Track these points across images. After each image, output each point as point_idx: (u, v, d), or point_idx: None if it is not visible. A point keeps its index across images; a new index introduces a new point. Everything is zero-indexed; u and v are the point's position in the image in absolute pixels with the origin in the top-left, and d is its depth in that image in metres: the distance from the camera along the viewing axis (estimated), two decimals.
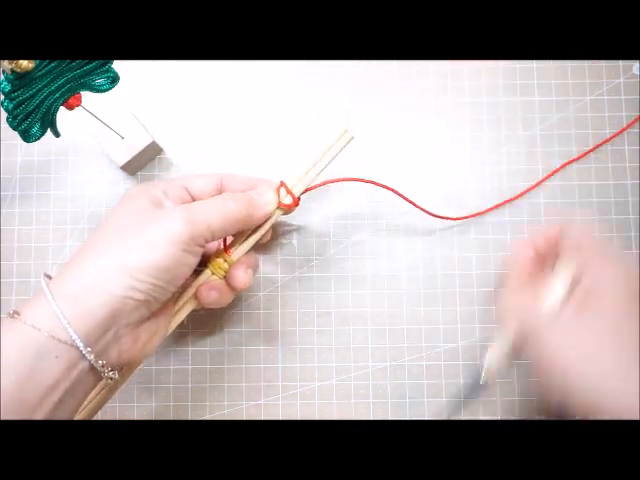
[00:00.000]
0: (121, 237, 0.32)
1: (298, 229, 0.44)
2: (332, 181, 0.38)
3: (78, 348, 0.29)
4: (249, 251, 0.37)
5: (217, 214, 0.33)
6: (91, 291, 0.29)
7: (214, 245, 0.38)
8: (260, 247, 0.44)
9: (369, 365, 0.43)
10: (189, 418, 0.43)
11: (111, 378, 0.31)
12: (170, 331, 0.36)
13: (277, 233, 0.44)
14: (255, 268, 0.38)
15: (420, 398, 0.43)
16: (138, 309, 0.31)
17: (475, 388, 0.41)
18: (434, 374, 0.43)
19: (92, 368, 0.30)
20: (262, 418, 0.43)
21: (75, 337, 0.28)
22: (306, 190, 0.37)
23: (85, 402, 0.34)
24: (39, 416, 0.28)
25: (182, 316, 0.36)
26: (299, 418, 0.43)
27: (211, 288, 0.36)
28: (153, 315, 0.33)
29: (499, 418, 0.42)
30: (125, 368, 0.35)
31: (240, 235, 0.37)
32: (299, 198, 0.37)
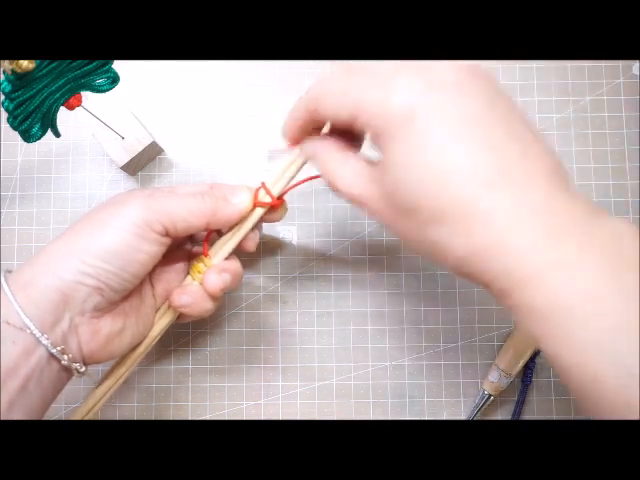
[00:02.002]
0: (79, 225, 0.32)
1: (298, 230, 0.44)
2: (304, 180, 0.36)
3: (33, 334, 0.29)
4: (231, 257, 0.36)
5: (179, 204, 0.33)
6: (42, 275, 0.30)
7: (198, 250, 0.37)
8: (260, 249, 0.44)
9: (369, 365, 0.43)
10: (189, 418, 0.43)
11: (78, 371, 0.31)
12: (151, 338, 0.35)
13: (270, 246, 0.44)
14: (234, 274, 0.35)
15: (420, 398, 0.43)
16: (91, 296, 0.31)
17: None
18: (434, 374, 0.43)
19: (53, 356, 0.30)
20: (262, 418, 0.43)
21: (26, 320, 0.29)
22: (288, 189, 0.36)
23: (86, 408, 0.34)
24: (3, 400, 0.28)
25: (164, 322, 0.36)
26: (299, 418, 0.43)
27: (184, 292, 0.35)
28: (117, 310, 0.33)
29: (499, 418, 0.42)
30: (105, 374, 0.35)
31: (221, 239, 0.36)
32: (281, 198, 0.36)
